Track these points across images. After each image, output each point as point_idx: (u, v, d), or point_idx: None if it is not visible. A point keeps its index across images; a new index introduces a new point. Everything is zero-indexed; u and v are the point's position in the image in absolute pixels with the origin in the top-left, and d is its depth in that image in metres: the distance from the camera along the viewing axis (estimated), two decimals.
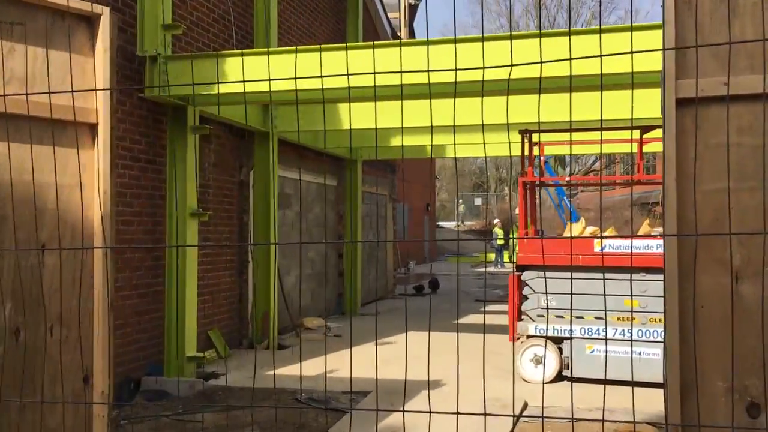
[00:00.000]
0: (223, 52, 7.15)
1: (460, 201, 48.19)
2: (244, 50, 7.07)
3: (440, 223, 42.30)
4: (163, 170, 7.56)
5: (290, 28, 11.07)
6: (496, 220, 31.80)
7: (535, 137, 8.35)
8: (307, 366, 8.07)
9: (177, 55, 7.21)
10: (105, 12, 3.47)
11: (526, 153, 8.13)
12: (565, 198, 20.99)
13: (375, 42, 6.57)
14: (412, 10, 23.54)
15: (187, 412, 6.41)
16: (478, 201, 47.35)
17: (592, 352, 7.15)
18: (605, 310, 7.06)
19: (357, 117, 8.96)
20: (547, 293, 7.23)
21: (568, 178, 15.16)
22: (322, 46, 6.58)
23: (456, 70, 2.32)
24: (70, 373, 3.38)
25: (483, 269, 25.05)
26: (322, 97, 6.53)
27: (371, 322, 12.11)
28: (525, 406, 6.37)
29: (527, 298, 7.43)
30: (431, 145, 11.79)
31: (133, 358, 7.15)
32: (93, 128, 3.46)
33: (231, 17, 9.09)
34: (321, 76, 2.63)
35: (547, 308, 7.33)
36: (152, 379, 7.23)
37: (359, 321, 12.15)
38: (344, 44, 6.56)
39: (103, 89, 3.41)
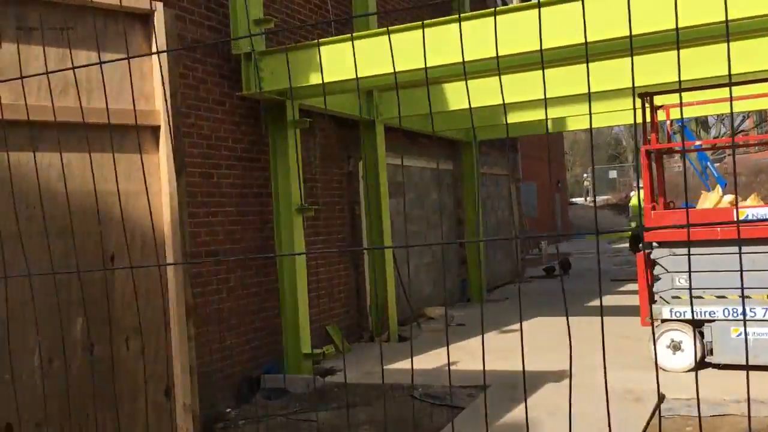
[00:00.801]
0: (318, 41, 6.97)
1: (585, 176, 46.12)
2: (339, 36, 6.86)
3: (574, 200, 40.69)
4: (268, 167, 7.51)
5: (389, 12, 10.77)
6: (633, 193, 30.06)
7: (659, 100, 7.55)
8: (427, 359, 7.78)
9: (270, 49, 7.11)
10: (159, 8, 3.31)
11: (648, 119, 7.36)
12: (709, 163, 19.33)
13: (489, 10, 6.14)
14: None
15: (303, 411, 6.32)
16: (613, 174, 45.04)
17: (739, 335, 6.36)
18: (752, 288, 6.25)
19: (467, 96, 8.53)
20: (690, 272, 6.49)
21: (698, 143, 13.82)
22: (425, 21, 6.24)
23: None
24: (150, 386, 3.28)
25: (621, 246, 23.72)
26: (425, 79, 6.19)
27: (496, 308, 11.65)
28: (662, 398, 5.74)
29: (659, 279, 6.73)
30: (546, 119, 11.13)
31: (251, 357, 7.17)
32: (156, 131, 3.32)
33: (328, 6, 8.92)
34: (424, 57, 2.32)
35: (690, 288, 6.60)
36: (271, 377, 7.22)
37: (484, 308, 11.72)
38: (451, 17, 6.18)
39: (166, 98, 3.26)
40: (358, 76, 6.47)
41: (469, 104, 2.92)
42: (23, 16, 2.99)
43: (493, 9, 3.81)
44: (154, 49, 3.30)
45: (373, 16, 9.15)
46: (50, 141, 2.96)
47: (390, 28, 6.71)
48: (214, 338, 6.64)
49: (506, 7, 6.00)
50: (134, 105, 3.18)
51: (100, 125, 3.13)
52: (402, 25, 6.39)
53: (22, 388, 2.85)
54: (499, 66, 6.76)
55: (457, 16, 6.29)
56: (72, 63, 2.35)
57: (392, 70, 6.36)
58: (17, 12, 2.99)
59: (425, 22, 6.34)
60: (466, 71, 1.81)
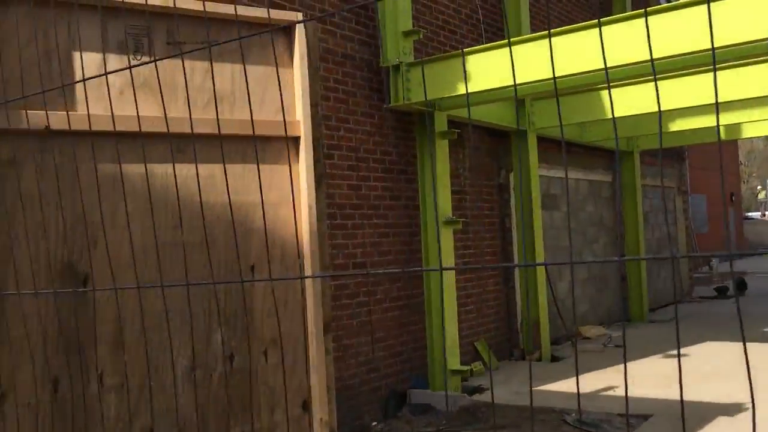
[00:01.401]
0: (467, 49, 6.81)
1: (759, 188, 42.13)
2: (488, 44, 6.66)
3: (749, 214, 37.43)
4: (415, 179, 7.44)
5: (544, 19, 10.39)
6: None
7: None
8: (582, 381, 7.32)
9: (419, 60, 7.04)
10: (300, 19, 3.29)
11: None
12: None
13: (650, 8, 5.72)
14: None
15: (448, 430, 6.13)
16: None
17: None
18: None
19: (627, 102, 8.00)
20: None
21: None
22: (582, 24, 5.91)
23: None
24: (287, 399, 3.24)
25: None
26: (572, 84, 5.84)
27: (659, 330, 10.81)
28: None
29: None
30: (717, 125, 10.19)
31: (398, 371, 7.10)
32: (296, 141, 3.30)
33: (479, 15, 8.74)
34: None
35: None
36: (417, 392, 7.10)
37: (646, 329, 10.92)
38: (614, 16, 5.80)
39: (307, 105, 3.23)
40: (511, 83, 6.24)
41: (611, 111, 2.61)
42: (172, 31, 3.08)
43: (643, 10, 3.54)
44: (295, 61, 3.29)
45: (526, 22, 8.84)
46: (191, 152, 3.01)
47: (551, 30, 6.41)
48: (360, 350, 6.63)
49: (669, 4, 5.52)
50: (284, 115, 3.18)
51: (241, 137, 3.15)
52: (559, 29, 6.08)
53: (164, 396, 2.90)
54: (654, 69, 6.27)
55: (614, 16, 5.88)
56: (213, 77, 2.37)
57: (546, 77, 6.06)
58: (167, 26, 3.08)
59: (581, 24, 5.99)
60: (607, 77, 1.54)
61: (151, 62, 2.09)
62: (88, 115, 2.22)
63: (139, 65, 2.09)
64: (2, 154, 2.56)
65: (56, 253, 2.68)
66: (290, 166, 3.29)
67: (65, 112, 2.65)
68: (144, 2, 2.96)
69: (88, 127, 2.31)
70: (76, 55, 2.85)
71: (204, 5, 2.95)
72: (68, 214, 2.70)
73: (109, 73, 2.08)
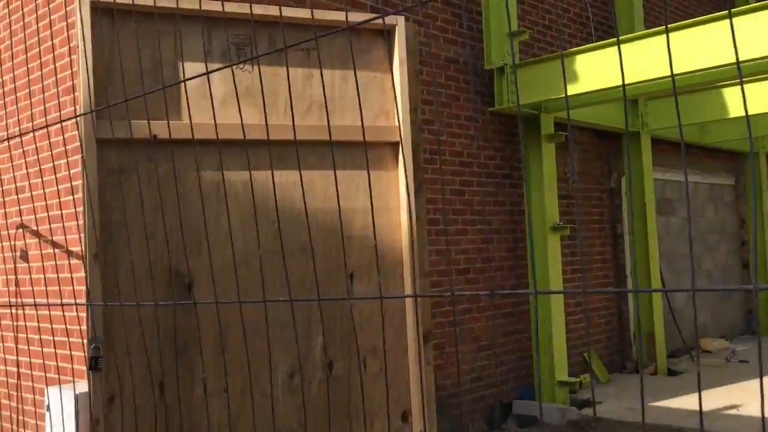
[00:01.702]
0: (574, 49, 6.55)
1: None
2: (597, 43, 6.37)
3: None
4: (520, 184, 7.23)
5: (659, 15, 9.89)
6: None
7: None
8: (702, 398, 6.86)
9: (524, 62, 6.84)
10: (400, 22, 3.24)
11: None
12: None
13: None
14: None
15: None
16: None
17: None
18: None
19: (752, 100, 7.46)
20: None
21: None
22: (704, 17, 5.56)
23: None
24: (387, 409, 3.18)
25: None
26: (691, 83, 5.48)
27: None
28: None
29: None
30: None
31: (502, 381, 6.91)
32: (395, 147, 3.25)
33: (588, 13, 8.41)
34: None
35: None
36: (523, 403, 6.89)
37: None
38: (740, 8, 5.43)
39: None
40: (624, 83, 5.94)
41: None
42: (273, 38, 3.10)
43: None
44: (395, 65, 3.23)
45: (640, 19, 8.43)
46: (292, 159, 3.02)
47: (669, 26, 6.06)
48: (463, 359, 6.51)
49: None
50: (398, 118, 3.14)
51: (341, 143, 3.13)
52: (678, 23, 5.73)
53: (265, 401, 2.91)
54: None
55: (741, 8, 5.48)
56: (322, 81, 2.34)
57: (660, 75, 5.74)
58: (269, 34, 3.10)
59: (703, 18, 5.62)
60: (740, 72, 1.38)
61: (248, 66, 2.09)
62: (191, 124, 2.24)
63: (240, 62, 2.09)
64: (111, 163, 2.65)
65: (161, 259, 2.74)
66: (390, 171, 3.24)
67: (170, 122, 2.70)
68: (249, 12, 3.00)
69: (192, 136, 2.34)
70: (181, 65, 2.92)
71: (312, 12, 2.95)
72: (172, 221, 2.76)
73: (211, 72, 2.09)
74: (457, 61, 6.75)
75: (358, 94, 1.82)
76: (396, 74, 3.22)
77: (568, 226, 7.03)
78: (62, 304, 1.99)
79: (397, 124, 3.23)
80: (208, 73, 1.91)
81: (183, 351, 2.81)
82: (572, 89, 6.28)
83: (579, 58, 6.30)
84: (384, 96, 3.26)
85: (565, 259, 7.59)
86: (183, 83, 2.56)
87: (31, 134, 5.06)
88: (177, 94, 2.89)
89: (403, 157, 3.18)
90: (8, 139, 3.48)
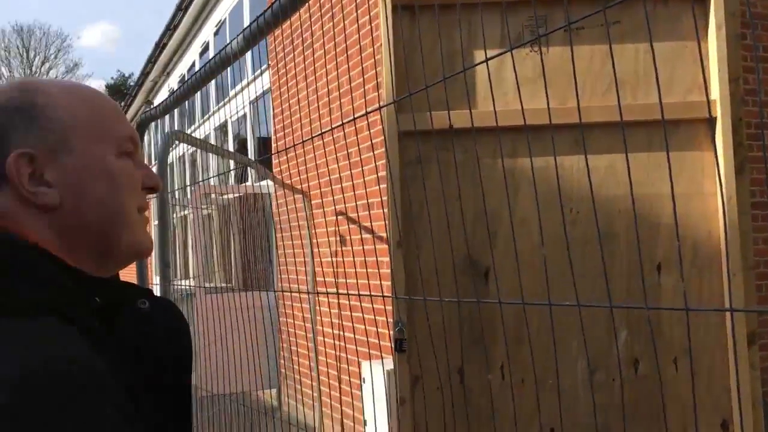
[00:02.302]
0: None
1: None
2: None
3: None
4: None
5: None
6: None
7: None
8: None
9: None
10: None
11: None
12: None
13: None
14: None
15: None
16: None
17: None
18: None
19: None
20: None
21: None
22: None
23: None
24: (702, 415, 2.87)
25: None
26: None
27: None
28: None
29: None
30: None
31: None
32: (710, 124, 2.89)
33: None
34: None
35: None
36: None
37: None
38: None
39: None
40: None
41: None
42: (570, 17, 2.95)
43: None
44: (710, 32, 2.88)
45: None
46: (590, 143, 2.85)
47: None
48: None
49: None
50: (713, 92, 2.84)
51: (645, 123, 2.88)
52: None
53: (564, 396, 2.81)
54: None
55: None
56: (612, 59, 2.15)
57: None
58: (563, 13, 2.96)
59: None
60: None
61: (541, 47, 2.00)
62: (495, 110, 2.23)
63: (533, 39, 2.01)
64: (410, 155, 2.75)
65: (458, 247, 2.78)
66: (705, 152, 2.90)
67: (465, 111, 2.72)
68: None
69: (489, 123, 2.33)
70: (478, 54, 2.92)
71: None
72: (469, 209, 2.78)
73: (514, 48, 2.04)
74: None
75: (656, 69, 1.63)
76: (712, 41, 2.87)
77: None
78: (371, 296, 2.11)
79: (713, 98, 2.88)
80: (511, 50, 1.87)
81: (480, 339, 2.83)
82: None
83: None
84: (697, 67, 2.92)
85: None
86: (484, 63, 2.56)
87: (350, 124, 5.54)
88: (472, 83, 2.91)
89: (721, 135, 2.82)
90: (331, 130, 3.83)
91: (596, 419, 2.80)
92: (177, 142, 3.61)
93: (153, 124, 3.86)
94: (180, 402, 0.92)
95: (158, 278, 3.25)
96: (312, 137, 2.46)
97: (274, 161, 7.29)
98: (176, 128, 12.95)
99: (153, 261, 4.01)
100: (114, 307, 0.88)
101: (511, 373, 2.87)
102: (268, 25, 2.94)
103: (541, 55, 2.94)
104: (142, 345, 0.88)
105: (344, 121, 2.40)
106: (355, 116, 2.59)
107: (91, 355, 0.77)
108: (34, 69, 42.88)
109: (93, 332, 0.82)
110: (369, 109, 2.24)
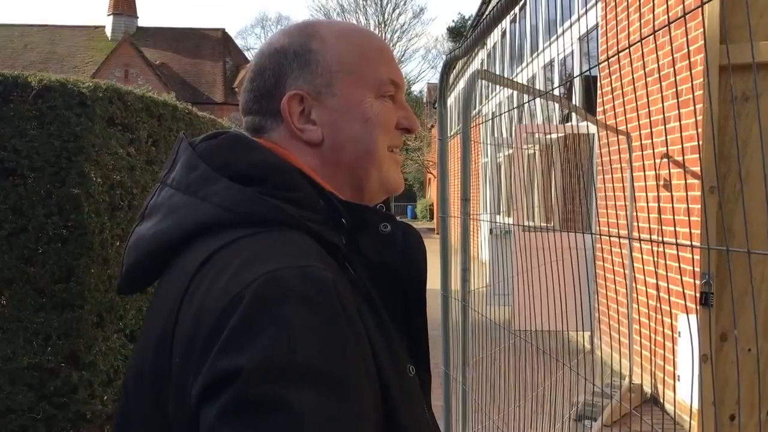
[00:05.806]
0: None
1: None
2: None
3: None
4: None
5: None
6: None
7: None
8: None
9: None
10: None
11: None
12: None
13: None
14: None
15: None
16: None
17: None
18: None
19: None
20: None
21: None
22: None
23: None
24: None
25: None
26: None
27: None
28: None
29: None
30: None
31: None
32: None
33: None
34: None
35: None
36: None
37: None
38: None
39: None
40: None
41: None
42: None
43: None
44: None
45: None
46: None
47: None
48: None
49: None
50: None
51: None
52: None
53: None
54: None
55: None
56: None
57: None
58: None
59: None
60: None
61: None
62: None
63: None
64: (735, 90, 2.45)
65: None
66: None
67: None
68: None
69: None
70: None
71: None
72: None
73: None
74: None
75: None
76: None
77: None
78: (677, 244, 1.97)
79: None
80: None
81: None
82: None
83: None
84: None
85: None
86: None
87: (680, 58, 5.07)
88: None
89: None
90: (654, 34, 3.56)
91: None
92: (482, 81, 3.68)
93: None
94: (416, 314, 1.00)
95: (460, 212, 3.41)
96: (630, 46, 2.32)
97: (598, 100, 7.01)
98: (504, 72, 13.13)
99: (455, 195, 4.19)
100: (360, 227, 0.98)
101: None
102: None
103: None
104: (382, 261, 0.98)
105: (671, 21, 2.23)
106: (671, 21, 2.38)
107: (334, 267, 0.89)
108: (386, 16, 46.61)
109: (339, 248, 0.94)
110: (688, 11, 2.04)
